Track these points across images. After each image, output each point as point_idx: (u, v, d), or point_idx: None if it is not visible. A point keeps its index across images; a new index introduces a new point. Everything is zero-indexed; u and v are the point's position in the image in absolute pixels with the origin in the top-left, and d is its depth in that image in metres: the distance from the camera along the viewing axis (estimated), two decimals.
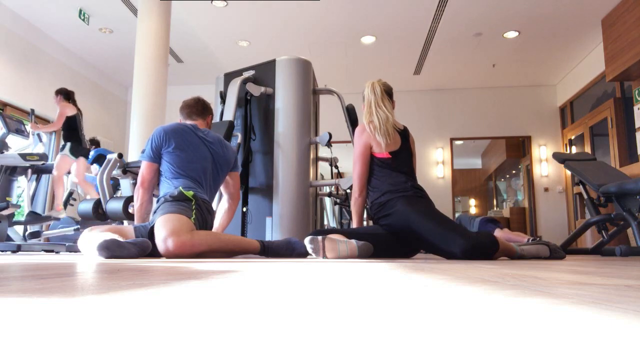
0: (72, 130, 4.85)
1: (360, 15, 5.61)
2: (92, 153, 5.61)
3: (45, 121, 5.97)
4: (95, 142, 5.82)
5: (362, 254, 1.98)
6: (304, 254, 2.19)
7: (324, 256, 1.90)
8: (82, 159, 4.93)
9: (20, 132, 4.41)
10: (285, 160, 3.38)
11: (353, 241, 1.97)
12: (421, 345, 0.26)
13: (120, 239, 1.99)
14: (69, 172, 5.04)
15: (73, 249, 3.63)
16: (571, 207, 7.30)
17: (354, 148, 2.39)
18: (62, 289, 0.58)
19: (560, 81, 7.55)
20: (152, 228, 2.17)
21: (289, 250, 2.26)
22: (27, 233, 4.39)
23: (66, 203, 5.06)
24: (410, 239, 2.18)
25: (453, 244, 2.00)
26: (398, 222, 2.16)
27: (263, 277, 0.82)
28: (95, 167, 5.28)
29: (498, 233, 2.37)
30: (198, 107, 2.61)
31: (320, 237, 1.91)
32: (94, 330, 0.31)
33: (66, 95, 4.98)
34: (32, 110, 4.91)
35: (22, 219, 4.42)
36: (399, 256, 2.23)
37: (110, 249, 1.86)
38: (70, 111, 4.85)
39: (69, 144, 4.78)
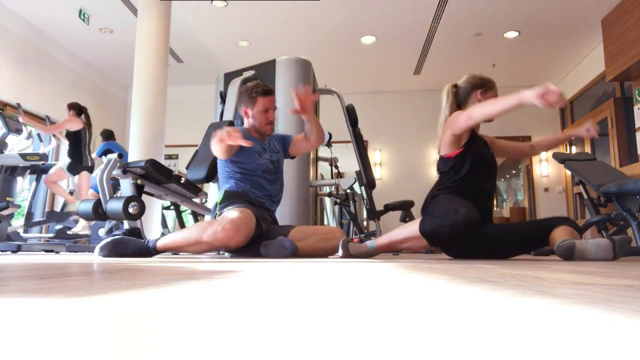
0: (74, 146, 4.84)
1: (360, 15, 5.61)
2: (100, 146, 5.61)
3: (41, 119, 5.94)
4: (108, 134, 5.71)
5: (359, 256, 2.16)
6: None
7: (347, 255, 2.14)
8: (85, 174, 4.93)
9: (20, 132, 4.42)
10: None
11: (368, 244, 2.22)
12: (424, 346, 0.26)
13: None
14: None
15: (73, 249, 3.63)
16: (571, 207, 7.30)
17: (461, 118, 2.22)
18: (62, 289, 0.58)
19: (560, 81, 7.54)
20: None
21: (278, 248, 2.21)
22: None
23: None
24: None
25: None
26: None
27: (264, 278, 0.82)
28: (103, 159, 5.29)
29: None
30: None
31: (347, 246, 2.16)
32: (93, 330, 0.31)
33: (79, 110, 4.96)
34: (19, 105, 4.89)
35: (23, 218, 4.42)
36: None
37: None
38: (75, 126, 4.83)
39: (69, 161, 4.77)
